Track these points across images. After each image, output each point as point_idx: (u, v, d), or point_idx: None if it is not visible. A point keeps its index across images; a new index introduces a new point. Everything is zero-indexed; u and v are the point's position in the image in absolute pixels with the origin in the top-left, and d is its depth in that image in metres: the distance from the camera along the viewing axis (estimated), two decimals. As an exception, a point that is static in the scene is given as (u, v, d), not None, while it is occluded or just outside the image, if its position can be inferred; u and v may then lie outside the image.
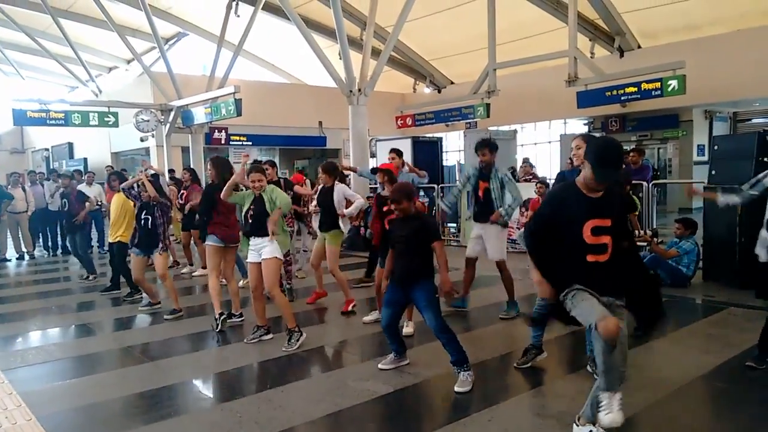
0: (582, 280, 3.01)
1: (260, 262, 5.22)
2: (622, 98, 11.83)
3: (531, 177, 12.05)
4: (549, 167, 18.39)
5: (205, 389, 4.52)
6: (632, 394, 3.95)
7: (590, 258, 3.02)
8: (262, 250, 5.21)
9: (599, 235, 3.01)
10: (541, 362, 4.94)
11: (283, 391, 4.28)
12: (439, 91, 20.67)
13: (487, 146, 5.98)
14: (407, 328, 5.52)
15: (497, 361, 4.88)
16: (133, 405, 4.15)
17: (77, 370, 4.96)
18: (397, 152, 7.79)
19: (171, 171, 14.92)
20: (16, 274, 10.33)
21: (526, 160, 15.01)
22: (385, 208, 5.43)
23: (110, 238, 7.75)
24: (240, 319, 6.13)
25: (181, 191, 9.32)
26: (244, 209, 5.36)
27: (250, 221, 5.28)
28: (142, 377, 4.64)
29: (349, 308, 6.46)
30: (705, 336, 5.36)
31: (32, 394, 4.25)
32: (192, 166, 14.18)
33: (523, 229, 10.63)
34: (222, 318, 5.84)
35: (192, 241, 9.14)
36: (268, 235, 5.16)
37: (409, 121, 16.36)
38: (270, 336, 5.46)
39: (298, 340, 5.19)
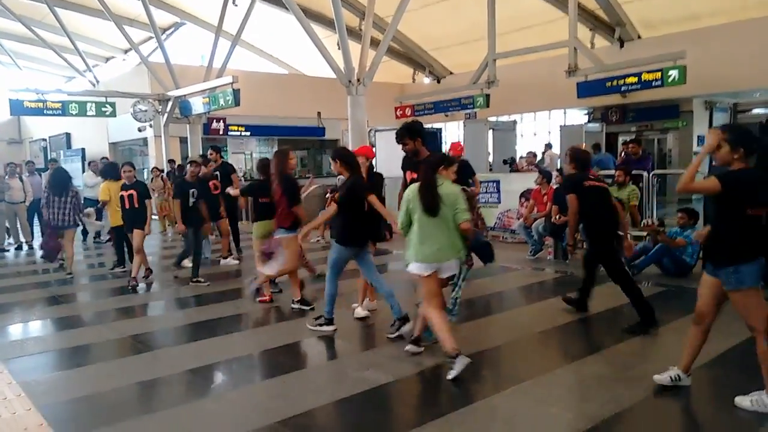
0: None
1: None
2: (623, 89, 11.80)
3: (534, 167, 12.03)
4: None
5: (204, 379, 4.51)
6: (633, 384, 3.96)
7: None
8: None
9: None
10: (542, 352, 4.95)
11: (283, 381, 4.27)
12: (439, 81, 20.56)
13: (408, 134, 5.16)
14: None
15: (498, 350, 4.87)
16: (132, 395, 4.14)
17: (77, 360, 4.93)
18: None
19: (171, 161, 14.88)
20: (14, 264, 10.30)
21: (548, 145, 14.99)
22: None
23: (113, 223, 8.48)
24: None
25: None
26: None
27: None
28: (141, 367, 4.63)
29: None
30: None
31: (32, 383, 4.24)
32: (191, 156, 14.15)
33: (521, 220, 10.54)
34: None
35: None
36: None
37: (408, 111, 16.29)
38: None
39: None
